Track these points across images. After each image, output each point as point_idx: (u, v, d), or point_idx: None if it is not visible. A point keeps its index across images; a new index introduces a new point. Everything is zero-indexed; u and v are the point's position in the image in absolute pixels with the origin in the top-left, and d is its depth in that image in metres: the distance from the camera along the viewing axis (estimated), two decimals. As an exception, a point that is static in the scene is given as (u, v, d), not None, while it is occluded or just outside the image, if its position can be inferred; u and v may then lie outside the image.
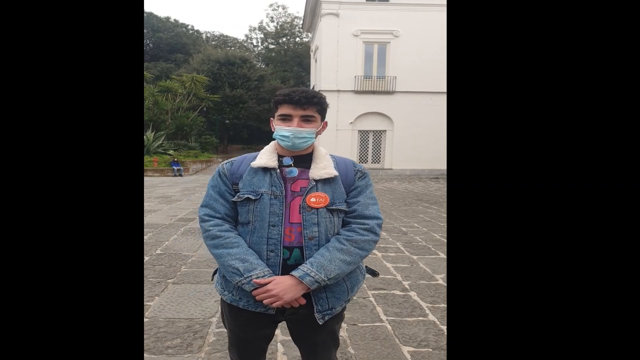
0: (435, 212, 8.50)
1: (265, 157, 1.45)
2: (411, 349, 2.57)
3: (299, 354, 2.42)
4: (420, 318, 3.04)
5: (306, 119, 1.39)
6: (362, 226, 1.41)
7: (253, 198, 1.39)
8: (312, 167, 1.44)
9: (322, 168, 1.42)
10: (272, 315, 1.42)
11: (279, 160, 1.44)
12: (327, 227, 1.40)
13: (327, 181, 1.41)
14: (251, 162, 1.45)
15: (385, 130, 20.14)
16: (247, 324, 1.47)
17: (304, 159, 1.46)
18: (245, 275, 1.32)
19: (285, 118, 1.39)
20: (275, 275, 1.35)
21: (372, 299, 3.40)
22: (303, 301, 1.36)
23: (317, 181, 1.40)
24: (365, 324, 2.90)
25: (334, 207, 1.41)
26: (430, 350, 2.56)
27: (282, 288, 1.31)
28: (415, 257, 4.80)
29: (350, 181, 1.47)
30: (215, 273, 1.60)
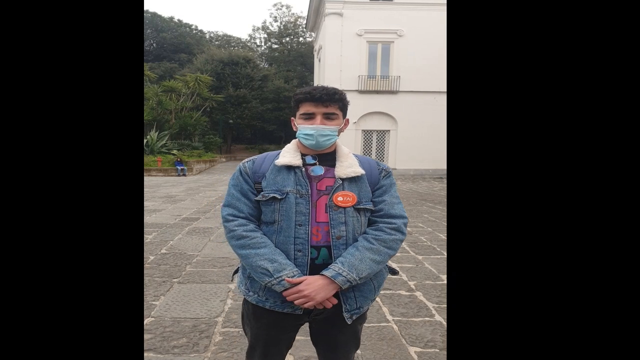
0: (439, 212, 8.48)
1: (289, 155, 1.42)
2: (418, 349, 2.56)
3: (306, 354, 2.42)
4: (427, 318, 3.03)
5: (328, 116, 1.38)
6: (389, 225, 1.40)
7: (279, 197, 1.36)
8: (337, 165, 1.42)
9: (348, 166, 1.40)
10: (299, 315, 1.40)
11: (302, 159, 1.42)
12: (354, 226, 1.38)
13: (353, 180, 1.40)
14: (274, 160, 1.43)
15: (389, 130, 20.11)
16: (273, 325, 1.45)
17: (327, 157, 1.44)
18: (275, 276, 1.30)
19: (308, 116, 1.38)
20: (304, 274, 1.34)
21: (377, 299, 3.38)
22: (335, 301, 1.35)
23: (343, 180, 1.38)
24: (372, 324, 2.89)
25: (361, 207, 1.39)
26: (437, 350, 2.54)
27: (314, 288, 1.29)
28: (420, 257, 4.79)
29: (375, 180, 1.45)
30: (235, 273, 1.58)
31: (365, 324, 2.88)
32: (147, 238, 5.46)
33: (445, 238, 5.86)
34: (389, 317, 3.02)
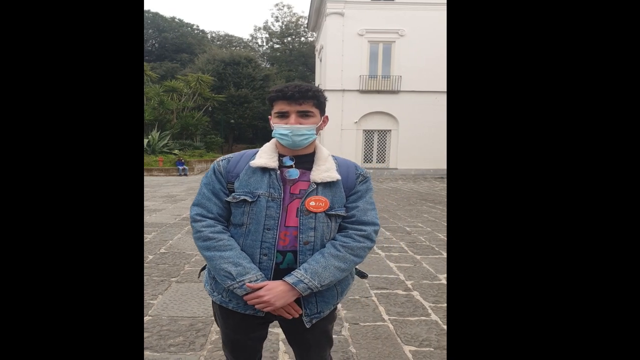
0: (439, 212, 8.48)
1: (266, 156, 1.38)
2: (413, 348, 2.57)
3: (300, 352, 2.43)
4: (423, 318, 3.03)
5: (303, 115, 1.34)
6: (359, 232, 1.38)
7: (249, 200, 1.33)
8: (314, 168, 1.38)
9: (325, 171, 1.37)
10: (262, 317, 1.40)
11: (279, 160, 1.39)
12: (323, 232, 1.36)
13: (328, 185, 1.37)
14: (250, 160, 1.39)
15: (390, 130, 20.10)
16: (238, 325, 1.44)
17: (306, 159, 1.40)
18: (237, 280, 1.29)
19: (282, 115, 1.34)
20: (267, 279, 1.32)
21: (374, 298, 3.40)
22: (296, 314, 1.35)
23: (318, 184, 1.35)
24: (367, 324, 2.90)
25: (333, 212, 1.36)
26: (432, 349, 2.56)
27: (274, 294, 1.28)
28: (418, 257, 4.79)
29: (351, 185, 1.42)
30: (202, 270, 1.57)
31: (360, 323, 2.91)
32: (147, 237, 5.48)
33: (444, 238, 5.87)
34: (385, 317, 3.03)
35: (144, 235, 5.60)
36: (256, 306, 1.31)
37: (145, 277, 3.78)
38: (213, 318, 2.89)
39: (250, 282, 1.29)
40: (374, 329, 2.83)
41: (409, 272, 4.17)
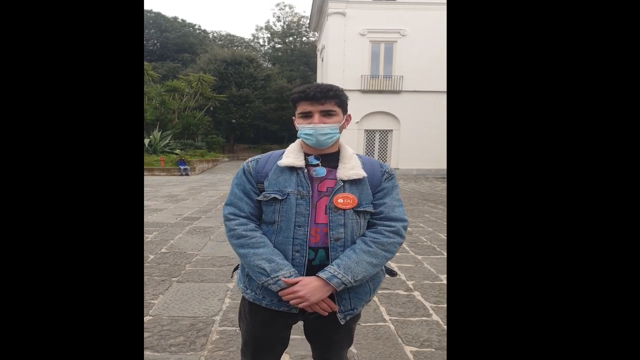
0: (441, 212, 8.47)
1: (292, 155, 1.42)
2: (414, 348, 2.56)
3: (302, 353, 2.43)
4: (424, 318, 3.03)
5: (326, 114, 1.38)
6: (388, 228, 1.41)
7: (279, 198, 1.37)
8: (339, 167, 1.42)
9: (351, 168, 1.40)
10: (294, 314, 1.42)
11: (305, 159, 1.42)
12: (353, 229, 1.39)
13: (354, 182, 1.40)
14: (277, 160, 1.44)
15: (391, 130, 20.10)
16: (268, 323, 1.46)
17: (331, 158, 1.44)
18: (272, 276, 1.31)
19: (306, 115, 1.38)
20: (300, 275, 1.35)
21: (375, 298, 3.39)
22: (335, 307, 1.37)
23: (344, 182, 1.39)
24: (368, 324, 2.89)
25: (361, 209, 1.40)
26: (433, 350, 2.55)
27: (309, 290, 1.30)
28: (419, 257, 4.78)
29: (377, 182, 1.45)
30: (235, 269, 1.60)
31: (362, 324, 2.90)
32: (148, 237, 5.48)
33: (446, 238, 5.85)
34: (386, 317, 3.03)
35: (145, 235, 5.60)
36: (291, 302, 1.32)
37: (146, 277, 3.78)
38: (215, 317, 2.90)
39: (285, 277, 1.31)
40: (375, 329, 2.83)
41: (410, 272, 4.16)
